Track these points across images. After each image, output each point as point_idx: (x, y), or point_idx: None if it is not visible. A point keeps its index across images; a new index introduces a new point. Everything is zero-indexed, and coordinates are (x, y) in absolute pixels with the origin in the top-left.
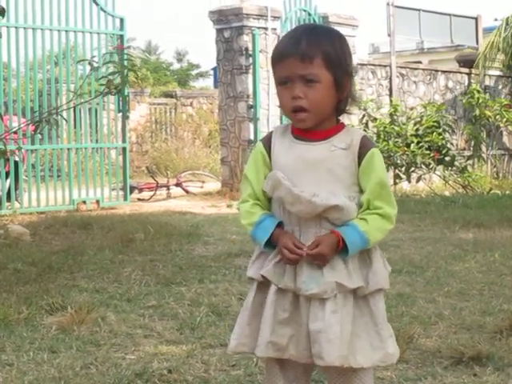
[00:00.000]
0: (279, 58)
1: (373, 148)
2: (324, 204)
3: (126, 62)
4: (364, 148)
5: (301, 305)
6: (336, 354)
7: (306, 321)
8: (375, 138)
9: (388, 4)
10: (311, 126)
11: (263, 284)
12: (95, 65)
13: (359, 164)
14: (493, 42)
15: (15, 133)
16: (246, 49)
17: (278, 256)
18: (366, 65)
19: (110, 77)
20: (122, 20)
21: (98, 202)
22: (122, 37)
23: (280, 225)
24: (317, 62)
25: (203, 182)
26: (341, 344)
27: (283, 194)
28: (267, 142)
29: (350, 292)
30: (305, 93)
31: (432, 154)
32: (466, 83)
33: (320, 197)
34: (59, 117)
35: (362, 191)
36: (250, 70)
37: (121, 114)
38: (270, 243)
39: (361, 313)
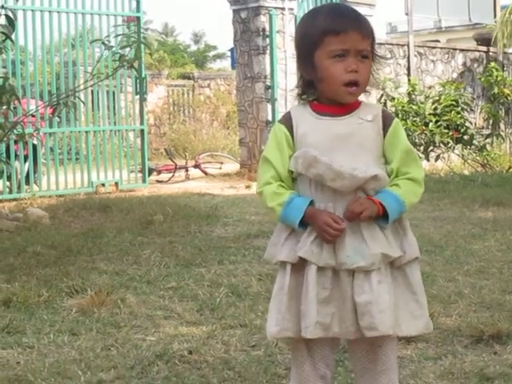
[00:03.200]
0: (339, 30)
1: (395, 118)
2: (365, 176)
3: (139, 36)
4: (387, 119)
5: (342, 280)
6: (389, 323)
7: (351, 295)
8: None
9: None
10: (355, 100)
11: (297, 266)
12: (109, 44)
13: (384, 135)
14: (508, 20)
15: (33, 116)
16: (263, 29)
17: (312, 234)
18: (383, 44)
19: (122, 51)
20: (138, 2)
21: (116, 184)
22: (138, 19)
23: (311, 203)
24: (369, 39)
25: (221, 163)
26: (391, 313)
27: (322, 170)
28: (288, 122)
29: (388, 263)
30: (359, 67)
31: (450, 133)
32: (485, 61)
33: (359, 169)
34: (77, 99)
35: (387, 162)
36: (267, 51)
37: (138, 96)
38: (302, 223)
39: (396, 283)
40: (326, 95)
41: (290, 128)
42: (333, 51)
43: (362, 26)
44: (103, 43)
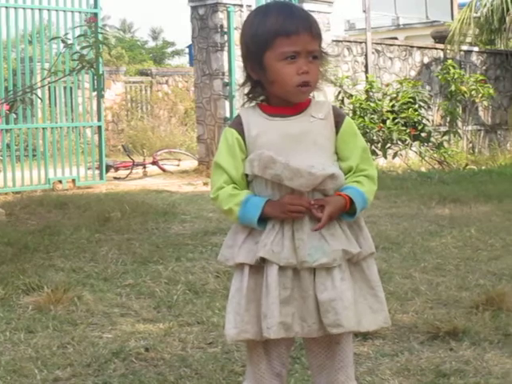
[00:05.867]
0: (290, 32)
1: (346, 116)
2: (323, 174)
3: (99, 36)
4: (339, 117)
5: (302, 279)
6: (353, 319)
7: (313, 293)
8: (351, 115)
9: None
10: (306, 99)
11: (254, 268)
12: (69, 42)
13: (336, 132)
14: (464, 18)
15: None
16: (221, 26)
17: (272, 234)
18: (341, 41)
19: (83, 51)
20: None
21: (73, 181)
22: (95, 15)
23: (268, 201)
24: (319, 40)
25: (179, 160)
26: (354, 310)
27: (280, 170)
28: (239, 126)
29: (346, 259)
30: (310, 68)
31: (408, 130)
32: (442, 59)
33: (316, 167)
34: (34, 96)
35: (339, 159)
36: (226, 48)
37: (96, 92)
38: (260, 221)
39: (355, 279)
40: (276, 96)
41: (242, 132)
42: (284, 53)
43: (312, 27)
44: (62, 41)
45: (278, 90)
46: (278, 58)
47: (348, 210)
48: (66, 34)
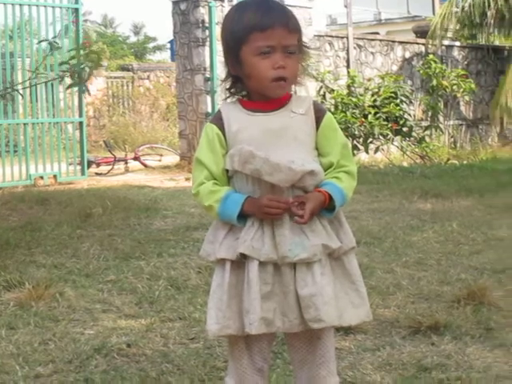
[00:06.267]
0: (265, 26)
1: (327, 112)
2: (302, 169)
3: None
4: (319, 112)
5: (283, 274)
6: (334, 314)
7: (294, 288)
8: (333, 110)
9: None
10: (282, 95)
11: (236, 263)
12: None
13: (317, 128)
14: (446, 13)
15: None
16: (203, 21)
17: (252, 230)
18: (323, 36)
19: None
20: None
21: (55, 176)
22: (76, 10)
23: (249, 197)
24: (296, 34)
25: (161, 155)
26: (334, 304)
27: (260, 165)
28: (219, 121)
29: (327, 254)
30: (286, 63)
31: (390, 125)
32: (423, 54)
33: (296, 163)
34: (15, 92)
35: (320, 154)
36: (207, 43)
37: (77, 88)
38: (240, 217)
39: (336, 274)
40: (255, 91)
41: (222, 127)
42: (259, 48)
43: (288, 22)
44: (50, 44)
45: (255, 84)
46: (254, 53)
47: (327, 206)
48: (54, 37)
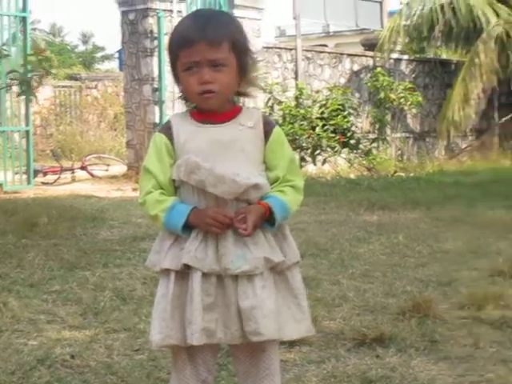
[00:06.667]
0: (185, 43)
1: (276, 126)
2: (246, 183)
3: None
4: (268, 126)
5: (226, 286)
6: (273, 327)
7: (235, 301)
8: (281, 121)
9: None
10: (216, 106)
11: (180, 274)
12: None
13: (265, 142)
14: (394, 26)
15: None
16: (151, 31)
17: (197, 241)
18: (271, 48)
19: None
20: (24, 1)
21: (1, 185)
22: (24, 19)
23: (194, 208)
24: (225, 46)
25: (108, 165)
26: (274, 318)
27: (204, 176)
28: (168, 131)
29: (270, 268)
30: (213, 77)
31: (337, 137)
32: (371, 66)
33: (241, 176)
34: None
35: (267, 168)
36: (155, 53)
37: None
38: (185, 228)
39: (278, 288)
40: None
41: (171, 137)
42: (185, 64)
43: (210, 36)
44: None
45: (189, 98)
46: (182, 69)
47: (268, 219)
48: (3, 44)
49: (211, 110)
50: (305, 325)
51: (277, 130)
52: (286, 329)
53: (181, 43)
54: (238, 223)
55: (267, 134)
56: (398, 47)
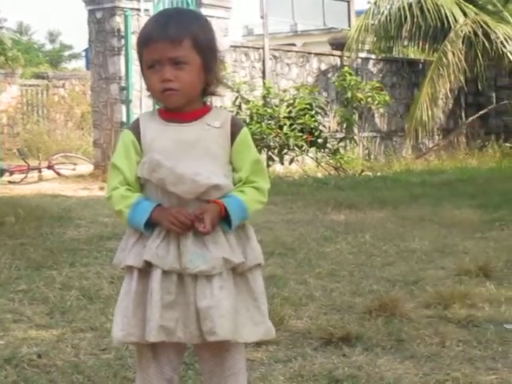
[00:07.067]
0: (147, 41)
1: (244, 127)
2: (206, 183)
3: None
4: (236, 127)
5: (186, 285)
6: (229, 328)
7: (194, 300)
8: (248, 120)
9: None
10: (180, 105)
11: (144, 271)
12: None
13: (232, 143)
14: (362, 25)
15: None
16: (119, 30)
17: (159, 238)
18: (238, 47)
19: None
20: None
21: None
22: None
23: (159, 205)
24: (186, 44)
25: (75, 164)
26: (231, 319)
27: (165, 175)
28: (136, 129)
29: (230, 269)
30: (175, 75)
31: (305, 136)
32: (339, 66)
33: (202, 176)
34: None
35: (233, 169)
36: (123, 52)
37: None
38: (149, 225)
39: (238, 290)
40: None
41: (138, 135)
42: (147, 62)
43: (170, 34)
44: None
45: (153, 96)
46: (146, 67)
47: (225, 218)
48: None
49: (176, 108)
50: (263, 328)
51: (244, 131)
52: (243, 331)
53: (144, 41)
54: (197, 224)
55: (234, 134)
56: (367, 46)
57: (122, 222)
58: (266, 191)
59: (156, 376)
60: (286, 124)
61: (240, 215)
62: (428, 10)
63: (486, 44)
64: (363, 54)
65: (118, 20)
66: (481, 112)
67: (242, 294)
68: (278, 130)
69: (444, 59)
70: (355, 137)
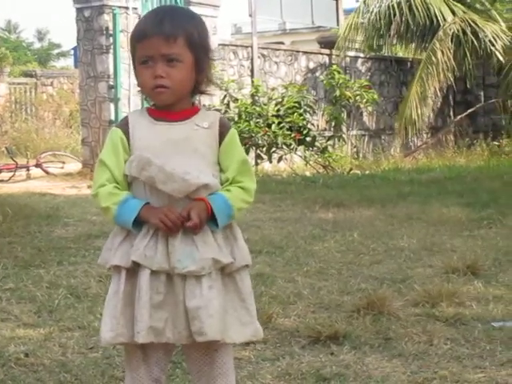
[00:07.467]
0: (141, 37)
1: (232, 128)
2: (196, 182)
3: None
4: (224, 127)
5: (175, 285)
6: (217, 328)
7: (183, 300)
8: (236, 119)
9: None
10: (170, 102)
11: (132, 271)
12: None
13: (220, 143)
14: (352, 24)
15: None
16: (107, 28)
17: (146, 238)
18: (227, 45)
19: None
20: None
21: None
22: None
23: (147, 204)
24: (180, 41)
25: (64, 162)
26: (220, 319)
27: (155, 173)
28: (124, 126)
29: (219, 269)
30: (167, 72)
31: (293, 135)
32: (327, 64)
33: (191, 174)
34: None
35: (221, 170)
36: (111, 50)
37: None
38: (136, 224)
39: (226, 290)
40: None
41: (127, 132)
42: (140, 58)
43: (165, 31)
44: None
45: (144, 92)
46: (138, 63)
47: (212, 218)
48: None
49: (165, 106)
50: (251, 328)
51: (232, 132)
52: (230, 331)
53: (138, 36)
54: (185, 221)
55: (222, 135)
56: (356, 45)
57: (108, 219)
58: (252, 191)
59: (145, 376)
60: (274, 122)
61: (225, 212)
62: (417, 8)
63: (475, 42)
64: (352, 53)
65: (107, 18)
66: (469, 110)
67: (229, 294)
68: (267, 129)
69: (433, 58)
70: (344, 135)
